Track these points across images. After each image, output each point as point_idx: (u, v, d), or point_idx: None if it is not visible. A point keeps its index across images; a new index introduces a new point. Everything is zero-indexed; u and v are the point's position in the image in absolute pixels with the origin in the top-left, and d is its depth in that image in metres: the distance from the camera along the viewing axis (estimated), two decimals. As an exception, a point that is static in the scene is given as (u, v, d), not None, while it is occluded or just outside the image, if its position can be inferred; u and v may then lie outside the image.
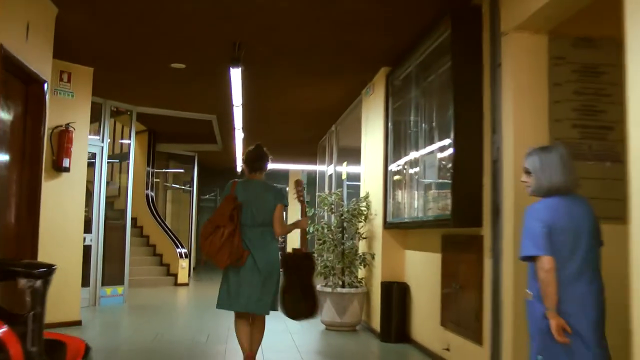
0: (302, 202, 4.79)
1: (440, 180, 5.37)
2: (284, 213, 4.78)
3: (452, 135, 4.85)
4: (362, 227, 7.48)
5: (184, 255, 12.51)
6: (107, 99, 9.03)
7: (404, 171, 6.47)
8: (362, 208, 7.41)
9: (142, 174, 13.30)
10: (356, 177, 8.76)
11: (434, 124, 5.54)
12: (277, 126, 11.37)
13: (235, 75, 6.95)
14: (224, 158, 15.59)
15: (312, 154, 14.18)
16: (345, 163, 9.74)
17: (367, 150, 7.90)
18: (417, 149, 6.02)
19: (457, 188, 4.76)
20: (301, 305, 4.64)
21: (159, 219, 13.04)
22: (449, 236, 5.37)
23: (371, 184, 7.53)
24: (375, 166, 7.33)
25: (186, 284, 12.47)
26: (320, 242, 7.45)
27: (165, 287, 12.11)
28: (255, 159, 4.72)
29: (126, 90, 8.94)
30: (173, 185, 16.83)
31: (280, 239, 4.84)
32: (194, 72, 7.64)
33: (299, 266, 4.70)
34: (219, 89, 8.13)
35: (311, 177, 18.42)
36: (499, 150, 4.29)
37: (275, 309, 4.59)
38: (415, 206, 6.08)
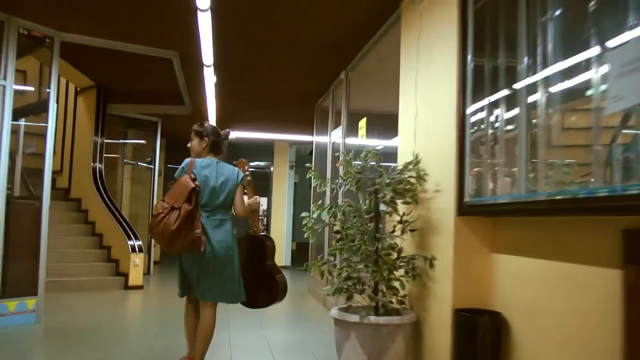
0: (249, 182, 4.54)
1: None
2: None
3: None
4: (409, 212, 4.56)
5: (137, 249, 9.47)
6: (14, 15, 6.07)
7: (500, 117, 3.55)
8: (411, 179, 4.46)
9: (87, 143, 10.33)
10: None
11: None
12: (262, 70, 8.30)
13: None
14: (192, 124, 12.51)
15: (305, 121, 11.19)
16: (363, 120, 6.76)
17: (413, 90, 4.95)
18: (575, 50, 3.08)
19: None
20: (258, 292, 4.54)
21: (107, 201, 9.98)
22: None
23: (426, 143, 4.61)
24: (435, 111, 4.42)
25: (140, 287, 9.44)
26: (339, 237, 4.49)
27: (112, 291, 9.08)
28: (220, 141, 4.50)
29: (44, 5, 5.98)
30: (135, 162, 13.64)
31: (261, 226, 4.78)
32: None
33: (250, 249, 4.54)
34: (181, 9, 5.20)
35: (300, 154, 15.42)
36: None
37: (242, 300, 4.41)
38: (542, 174, 3.16)
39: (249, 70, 8.29)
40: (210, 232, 4.17)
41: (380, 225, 4.52)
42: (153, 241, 11.77)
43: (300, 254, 15.07)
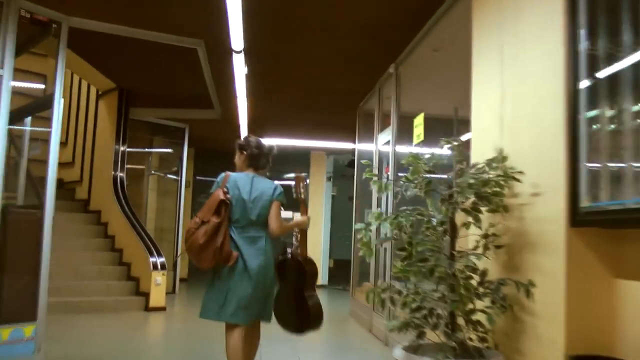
0: (302, 200, 4.30)
1: None
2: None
3: None
4: (496, 223, 3.52)
5: (159, 267, 8.54)
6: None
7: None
8: (500, 180, 3.40)
9: (108, 151, 9.52)
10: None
11: None
12: (295, 64, 7.37)
13: None
14: (224, 133, 11.66)
15: (345, 126, 10.22)
16: (420, 117, 5.72)
17: (494, 71, 3.92)
18: None
19: None
20: (291, 316, 4.21)
21: (128, 213, 9.10)
22: None
23: (513, 134, 3.58)
24: (528, 93, 3.39)
25: (162, 309, 8.49)
26: (405, 255, 3.44)
27: (130, 313, 8.15)
28: (262, 154, 4.22)
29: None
30: (162, 172, 12.74)
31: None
32: None
33: (297, 272, 4.21)
34: None
35: (338, 165, 14.42)
36: None
37: (268, 320, 4.14)
38: None
39: (281, 64, 7.36)
40: (243, 249, 3.97)
41: (456, 240, 3.49)
42: (179, 257, 10.86)
43: (338, 271, 14.02)
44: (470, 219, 3.37)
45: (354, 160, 13.81)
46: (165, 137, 11.45)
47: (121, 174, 9.48)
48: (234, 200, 4.00)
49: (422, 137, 5.55)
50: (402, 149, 6.73)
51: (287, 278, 4.24)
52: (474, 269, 3.35)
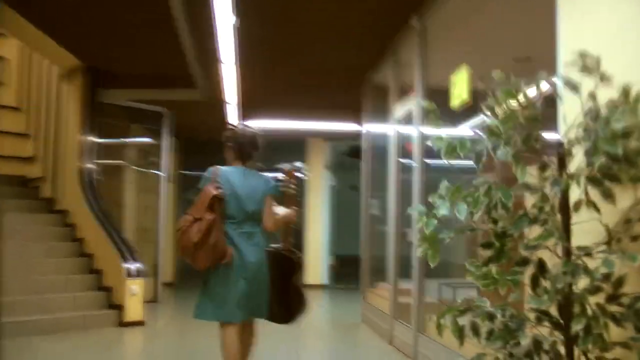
0: (293, 193, 4.10)
1: None
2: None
3: None
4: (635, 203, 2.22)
5: (135, 274, 7.19)
6: None
7: None
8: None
9: (74, 142, 8.24)
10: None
11: None
12: (300, 30, 6.09)
13: None
14: (211, 120, 10.34)
15: (348, 106, 8.91)
16: (463, 73, 4.38)
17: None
18: None
19: None
20: (275, 308, 4.01)
21: (98, 212, 7.76)
22: None
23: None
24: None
25: (140, 323, 7.13)
26: (490, 254, 2.14)
27: (101, 330, 6.78)
28: (250, 144, 4.09)
29: None
30: (142, 166, 11.33)
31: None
32: None
33: (280, 265, 4.03)
34: None
35: (338, 153, 13.10)
36: None
37: (263, 316, 4.02)
38: None
39: (276, 29, 6.09)
40: (240, 245, 3.89)
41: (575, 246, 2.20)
42: (161, 259, 9.55)
43: (340, 268, 12.70)
44: (584, 197, 2.08)
45: (354, 147, 12.52)
46: (143, 123, 10.06)
47: (91, 167, 8.15)
48: (227, 196, 3.88)
49: (466, 98, 4.21)
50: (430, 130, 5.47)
51: (272, 270, 4.05)
52: (607, 277, 2.07)
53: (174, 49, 6.45)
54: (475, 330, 2.14)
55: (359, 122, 8.69)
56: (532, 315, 2.17)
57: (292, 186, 4.12)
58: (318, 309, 9.20)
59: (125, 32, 6.51)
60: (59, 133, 8.88)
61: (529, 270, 2.14)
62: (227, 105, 9.11)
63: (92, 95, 8.17)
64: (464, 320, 2.15)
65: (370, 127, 7.98)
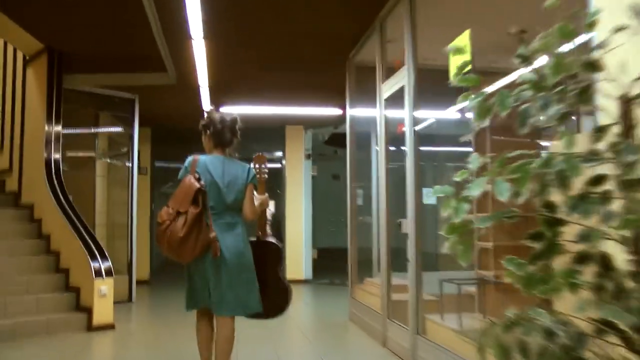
0: (263, 180, 4.10)
1: None
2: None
3: None
4: None
5: (104, 273, 6.63)
6: None
7: None
8: None
9: (39, 131, 7.66)
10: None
11: None
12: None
13: None
14: (184, 107, 9.78)
15: (330, 88, 8.41)
16: (465, 35, 3.89)
17: None
18: None
19: None
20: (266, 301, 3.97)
21: (65, 206, 7.18)
22: None
23: None
24: None
25: (110, 327, 6.58)
26: (542, 247, 1.65)
27: (67, 335, 6.23)
28: (225, 128, 3.96)
29: None
30: (113, 157, 10.67)
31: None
32: None
33: (258, 256, 3.99)
34: None
35: (318, 141, 12.61)
36: None
37: (258, 310, 3.90)
38: None
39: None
40: (219, 236, 3.79)
41: None
42: (134, 256, 8.96)
43: (323, 262, 12.20)
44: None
45: (336, 135, 12.01)
46: (111, 111, 9.44)
47: (56, 158, 7.56)
48: (207, 186, 3.82)
49: (469, 63, 3.71)
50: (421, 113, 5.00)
51: (257, 260, 4.01)
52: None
53: (140, 24, 5.89)
54: (524, 352, 1.64)
55: (342, 107, 8.17)
56: (589, 326, 1.69)
57: (265, 171, 4.11)
58: (301, 306, 8.70)
59: (87, 8, 5.93)
60: (26, 123, 8.27)
61: (589, 269, 1.65)
62: (201, 90, 8.56)
63: (59, 81, 7.61)
64: (509, 338, 1.65)
65: (354, 112, 7.47)
